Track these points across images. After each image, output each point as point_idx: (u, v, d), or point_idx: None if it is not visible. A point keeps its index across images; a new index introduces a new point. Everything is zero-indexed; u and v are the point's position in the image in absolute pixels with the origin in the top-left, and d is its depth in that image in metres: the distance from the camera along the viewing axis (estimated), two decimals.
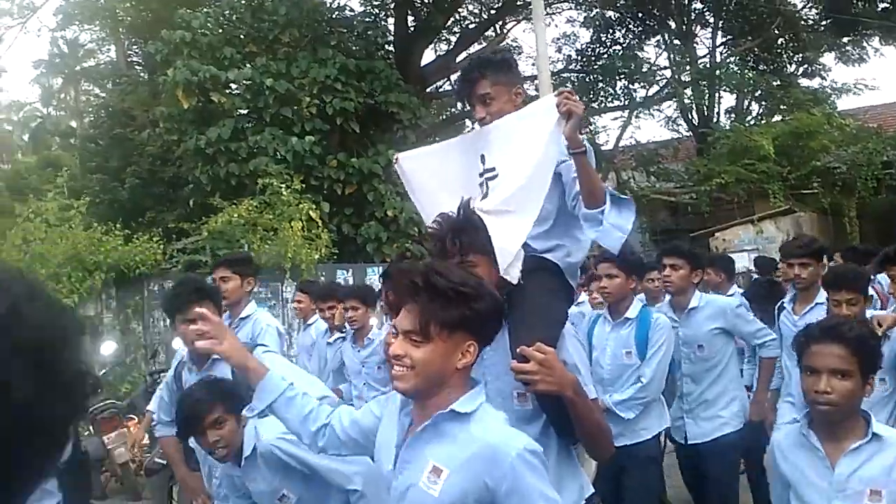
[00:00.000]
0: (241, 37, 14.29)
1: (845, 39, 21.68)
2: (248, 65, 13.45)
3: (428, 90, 19.22)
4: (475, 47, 20.85)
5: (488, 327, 1.91)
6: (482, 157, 2.58)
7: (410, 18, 18.08)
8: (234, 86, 13.67)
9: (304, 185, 11.87)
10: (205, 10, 14.34)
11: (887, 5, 20.25)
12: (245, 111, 13.54)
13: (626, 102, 21.72)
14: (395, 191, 13.56)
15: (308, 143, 12.77)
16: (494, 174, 2.55)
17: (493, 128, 2.58)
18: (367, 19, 17.01)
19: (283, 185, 11.27)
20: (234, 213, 10.79)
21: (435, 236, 2.32)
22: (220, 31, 14.23)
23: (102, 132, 18.08)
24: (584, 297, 6.26)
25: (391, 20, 18.22)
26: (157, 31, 13.94)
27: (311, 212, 11.27)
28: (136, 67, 20.13)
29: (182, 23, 13.29)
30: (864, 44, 22.03)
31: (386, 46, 16.84)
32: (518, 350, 2.10)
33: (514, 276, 2.27)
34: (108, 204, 15.21)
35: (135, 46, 20.39)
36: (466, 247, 2.24)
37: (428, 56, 19.70)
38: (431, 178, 2.78)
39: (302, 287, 6.93)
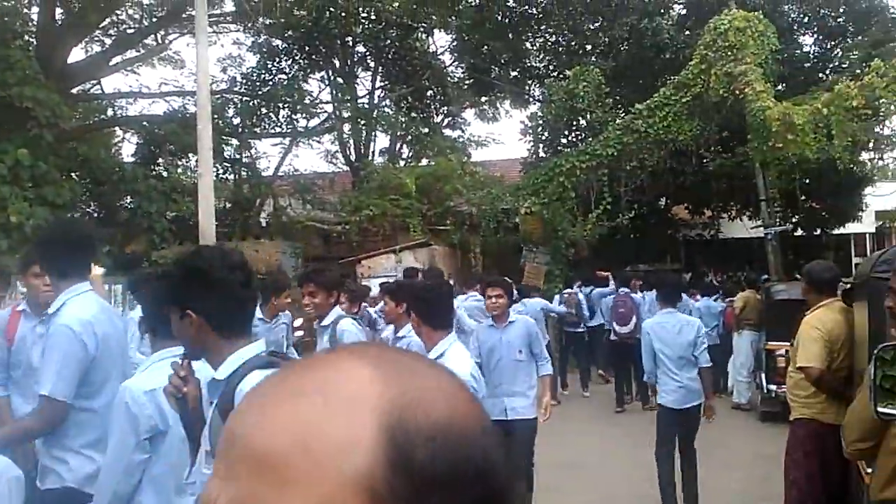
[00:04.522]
0: None
1: (483, 99, 24.98)
2: None
3: (74, 90, 17.79)
4: (132, 53, 19.88)
5: None
6: None
7: (58, 11, 16.61)
8: None
9: None
10: None
11: (517, 74, 23.78)
12: None
13: (289, 131, 22.28)
14: (22, 195, 12.32)
15: None
16: None
17: None
18: (7, 2, 15.27)
19: None
20: None
21: None
22: None
23: None
24: None
25: (35, 9, 16.59)
26: None
27: None
28: None
29: None
30: (498, 105, 25.75)
31: (26, 36, 15.26)
32: None
33: None
34: None
35: None
36: None
37: (77, 55, 18.27)
38: None
39: None
